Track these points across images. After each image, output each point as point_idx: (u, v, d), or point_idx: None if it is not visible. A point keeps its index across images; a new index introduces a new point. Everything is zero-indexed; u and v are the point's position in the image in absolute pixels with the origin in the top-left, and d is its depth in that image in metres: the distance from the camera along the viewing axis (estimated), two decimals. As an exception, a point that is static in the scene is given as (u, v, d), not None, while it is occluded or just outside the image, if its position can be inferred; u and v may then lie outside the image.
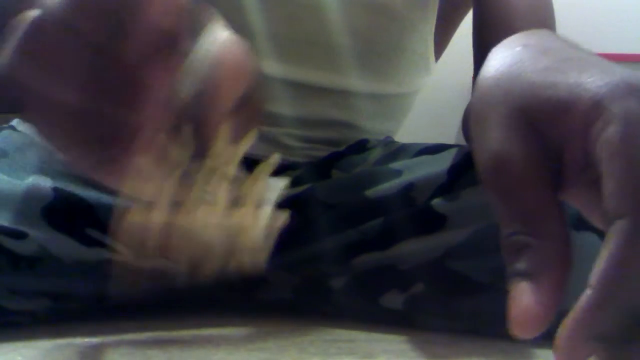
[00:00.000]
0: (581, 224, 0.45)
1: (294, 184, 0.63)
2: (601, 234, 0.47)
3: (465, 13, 0.78)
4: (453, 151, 0.55)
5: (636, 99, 0.21)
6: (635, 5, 1.75)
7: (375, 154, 0.62)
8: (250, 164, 0.68)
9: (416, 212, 0.52)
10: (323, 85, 0.68)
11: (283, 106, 0.68)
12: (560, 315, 0.51)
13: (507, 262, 0.23)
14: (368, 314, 0.55)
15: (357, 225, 0.55)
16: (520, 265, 0.22)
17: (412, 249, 0.51)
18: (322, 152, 0.68)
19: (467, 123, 0.67)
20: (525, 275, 0.22)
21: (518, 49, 0.25)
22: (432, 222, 0.50)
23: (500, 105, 0.24)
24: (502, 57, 0.25)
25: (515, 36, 0.27)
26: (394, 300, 0.53)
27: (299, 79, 0.67)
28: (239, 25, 0.66)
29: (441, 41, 0.78)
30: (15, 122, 0.58)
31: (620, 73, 0.22)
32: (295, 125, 0.68)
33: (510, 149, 0.23)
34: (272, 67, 0.66)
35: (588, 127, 0.21)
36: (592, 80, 0.22)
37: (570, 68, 0.23)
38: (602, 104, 0.21)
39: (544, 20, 0.64)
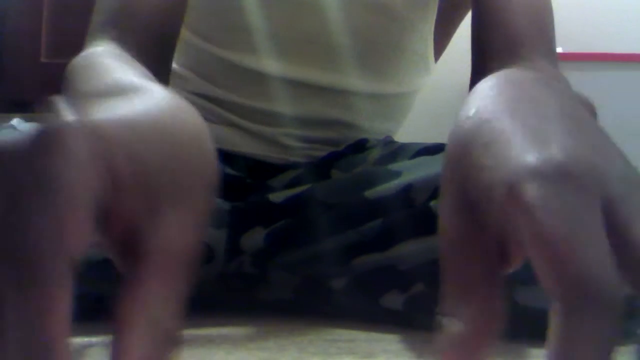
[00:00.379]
0: None
1: (293, 183, 0.63)
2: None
3: (465, 13, 0.78)
4: None
5: (546, 185, 0.21)
6: (635, 5, 1.75)
7: (375, 154, 0.62)
8: (252, 165, 0.68)
9: (415, 213, 0.52)
10: (323, 84, 0.68)
11: (283, 105, 0.68)
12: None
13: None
14: (368, 314, 0.55)
15: (356, 225, 0.55)
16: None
17: (412, 250, 0.51)
18: (322, 152, 0.68)
19: None
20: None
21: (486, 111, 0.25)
22: (431, 223, 0.50)
23: (455, 177, 0.25)
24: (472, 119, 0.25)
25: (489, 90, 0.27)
26: (394, 300, 0.53)
27: (299, 77, 0.67)
28: (239, 24, 0.66)
29: (441, 41, 0.78)
30: (15, 121, 0.58)
31: (550, 149, 0.22)
32: (294, 125, 0.68)
33: (452, 222, 0.24)
34: (272, 66, 0.66)
35: (505, 214, 0.22)
36: (512, 163, 0.22)
37: (512, 139, 0.23)
38: (514, 191, 0.21)
39: (543, 21, 0.63)
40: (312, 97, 0.68)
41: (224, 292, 0.63)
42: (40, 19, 1.52)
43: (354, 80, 0.68)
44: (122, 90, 0.28)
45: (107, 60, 0.40)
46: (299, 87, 0.68)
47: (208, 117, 0.68)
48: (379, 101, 0.72)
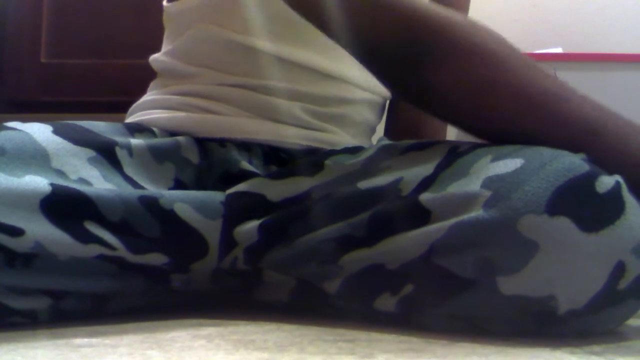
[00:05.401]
0: (555, 209, 0.44)
1: (288, 173, 0.64)
2: (576, 218, 0.47)
3: None
4: (440, 146, 0.55)
5: None
6: (635, 5, 1.75)
7: (369, 152, 0.63)
8: (268, 151, 0.70)
9: (403, 205, 0.51)
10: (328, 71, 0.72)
11: (297, 85, 0.71)
12: (549, 306, 0.50)
13: None
14: (366, 317, 0.55)
15: (348, 217, 0.54)
16: None
17: (398, 246, 0.50)
18: (326, 132, 0.71)
19: None
20: None
21: None
22: (418, 217, 0.50)
23: None
24: None
25: None
26: (387, 303, 0.52)
27: (308, 63, 0.71)
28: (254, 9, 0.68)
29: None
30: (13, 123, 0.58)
31: None
32: (309, 101, 0.71)
33: None
34: (289, 51, 0.70)
35: None
36: None
37: None
38: None
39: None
40: (321, 80, 0.72)
41: (219, 292, 0.63)
42: (40, 19, 1.52)
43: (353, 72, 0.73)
44: None
45: None
46: (307, 70, 0.71)
47: (227, 111, 0.69)
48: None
